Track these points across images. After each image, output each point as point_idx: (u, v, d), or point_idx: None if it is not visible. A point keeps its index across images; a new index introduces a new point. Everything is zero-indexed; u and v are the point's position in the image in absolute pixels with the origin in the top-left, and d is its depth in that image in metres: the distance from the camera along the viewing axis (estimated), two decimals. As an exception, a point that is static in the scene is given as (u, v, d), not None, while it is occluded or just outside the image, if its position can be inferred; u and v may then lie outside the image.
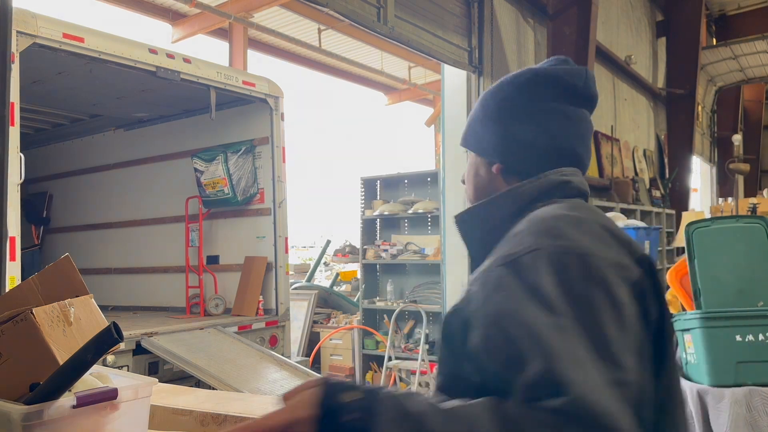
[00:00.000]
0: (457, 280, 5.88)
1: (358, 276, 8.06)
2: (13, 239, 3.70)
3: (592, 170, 10.12)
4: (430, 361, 6.25)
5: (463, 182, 1.30)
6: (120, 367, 4.37)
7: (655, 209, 11.72)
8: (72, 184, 7.72)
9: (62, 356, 1.38)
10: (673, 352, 1.00)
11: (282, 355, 5.46)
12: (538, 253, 0.90)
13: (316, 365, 7.18)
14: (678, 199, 12.82)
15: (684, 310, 3.09)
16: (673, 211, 12.12)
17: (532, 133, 1.17)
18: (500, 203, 1.14)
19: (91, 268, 6.98)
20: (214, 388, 4.15)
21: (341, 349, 7.36)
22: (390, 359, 6.45)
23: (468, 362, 0.90)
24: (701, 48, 12.67)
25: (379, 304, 7.17)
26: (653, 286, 0.97)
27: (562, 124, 1.17)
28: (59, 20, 4.43)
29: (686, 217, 8.16)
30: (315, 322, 7.82)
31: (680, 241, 5.54)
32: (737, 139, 12.60)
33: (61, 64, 5.02)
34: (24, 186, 4.10)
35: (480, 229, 1.16)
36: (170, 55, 5.11)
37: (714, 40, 15.02)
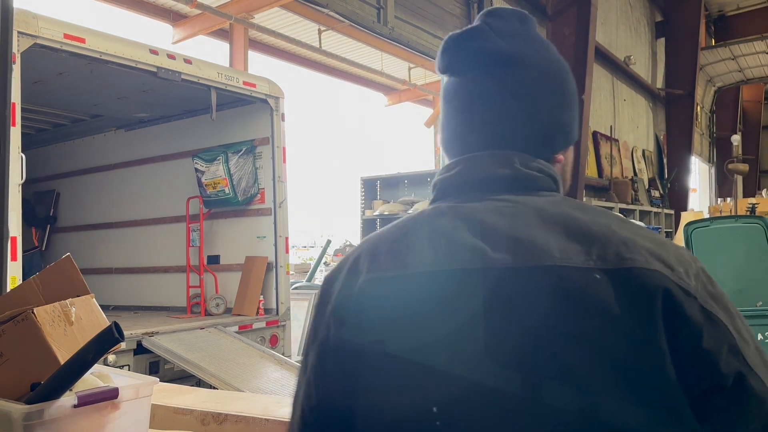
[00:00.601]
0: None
1: (358, 276, 8.05)
2: (14, 239, 3.71)
3: (591, 170, 10.12)
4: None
5: None
6: (121, 367, 4.38)
7: (654, 209, 11.73)
8: (73, 184, 7.73)
9: (63, 356, 1.39)
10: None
11: (282, 354, 5.48)
12: None
13: (316, 365, 7.18)
14: (677, 199, 12.84)
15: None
16: (672, 211, 12.14)
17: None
18: None
19: (93, 267, 6.98)
20: (214, 388, 4.17)
21: (341, 349, 7.36)
22: (390, 359, 6.45)
23: None
24: (700, 48, 12.69)
25: (379, 304, 7.17)
26: (374, 308, 0.88)
27: (443, 108, 1.03)
28: (60, 21, 4.44)
29: (685, 217, 8.19)
30: (315, 322, 7.82)
31: (679, 241, 5.55)
32: (736, 139, 12.61)
33: (62, 65, 5.03)
34: (23, 188, 4.11)
35: None
36: (171, 56, 5.12)
37: (713, 40, 15.03)
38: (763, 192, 11.75)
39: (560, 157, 1.02)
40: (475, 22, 1.01)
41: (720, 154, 16.01)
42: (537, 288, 0.81)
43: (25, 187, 4.24)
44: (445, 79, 1.03)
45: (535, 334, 0.79)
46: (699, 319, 0.78)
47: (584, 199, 8.91)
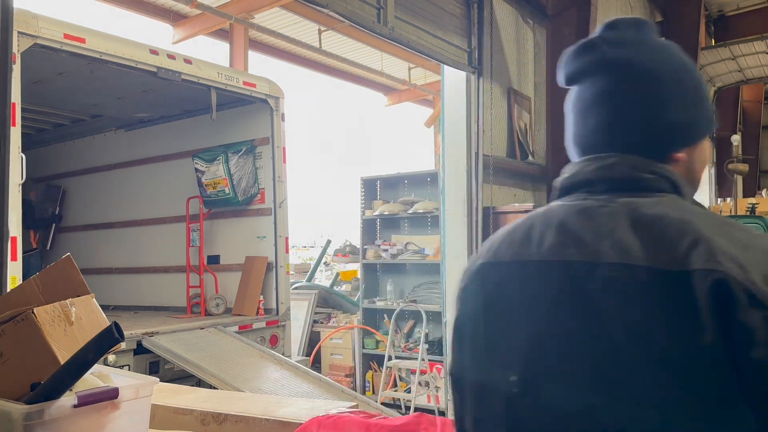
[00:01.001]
0: (456, 280, 5.88)
1: (358, 276, 8.07)
2: (14, 239, 3.71)
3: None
4: (429, 360, 6.26)
5: None
6: (121, 367, 4.38)
7: (655, 209, 11.71)
8: (72, 184, 7.73)
9: (63, 355, 1.39)
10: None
11: (282, 354, 5.48)
12: None
13: (316, 365, 7.19)
14: (677, 199, 12.80)
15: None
16: (673, 212, 12.12)
17: None
18: None
19: (93, 267, 6.98)
20: (214, 388, 4.17)
21: (341, 348, 7.37)
22: (390, 359, 6.46)
23: None
24: (700, 49, 12.67)
25: (379, 304, 7.18)
26: (475, 289, 1.05)
27: (566, 116, 1.09)
28: (60, 21, 4.44)
29: (686, 218, 8.13)
30: (315, 321, 7.83)
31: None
32: (736, 139, 12.60)
33: (62, 65, 5.04)
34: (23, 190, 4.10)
35: None
36: (171, 56, 5.12)
37: (713, 40, 15.00)
38: (763, 192, 11.76)
39: (680, 155, 1.02)
40: (592, 35, 1.07)
41: (720, 154, 15.98)
42: (604, 283, 0.86)
43: (25, 188, 4.24)
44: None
45: (596, 326, 0.86)
46: (756, 326, 0.77)
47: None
